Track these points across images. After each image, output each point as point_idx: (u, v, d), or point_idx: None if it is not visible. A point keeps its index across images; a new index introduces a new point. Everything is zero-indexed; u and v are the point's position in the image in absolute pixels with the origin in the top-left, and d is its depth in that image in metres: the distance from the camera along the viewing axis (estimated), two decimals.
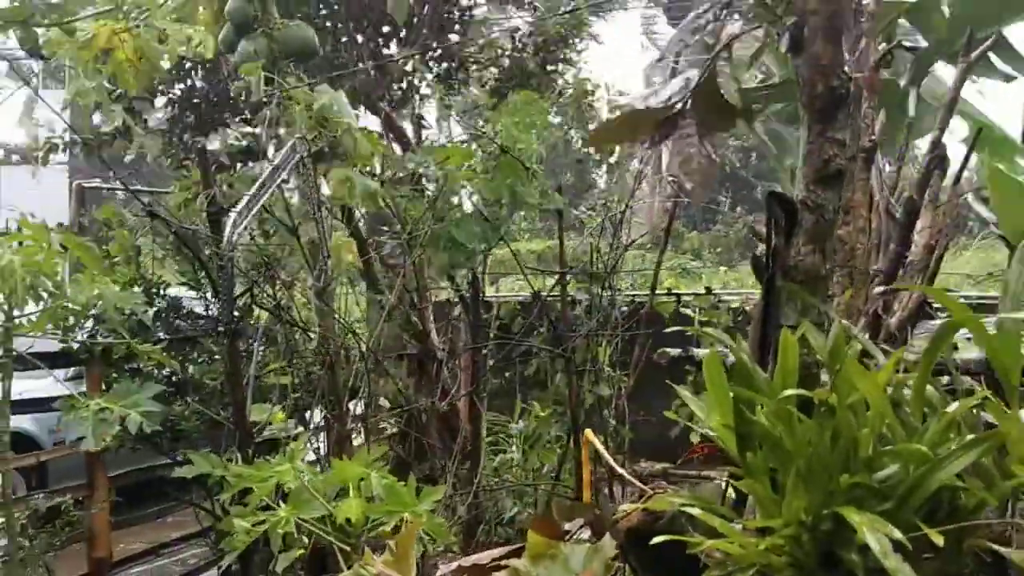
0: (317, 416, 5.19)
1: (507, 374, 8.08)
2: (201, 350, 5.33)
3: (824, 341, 1.80)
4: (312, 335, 4.58)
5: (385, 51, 8.93)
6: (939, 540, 1.45)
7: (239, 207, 3.53)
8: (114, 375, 5.52)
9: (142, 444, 5.55)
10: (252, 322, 4.78)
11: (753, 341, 1.99)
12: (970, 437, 1.57)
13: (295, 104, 4.98)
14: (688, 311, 9.53)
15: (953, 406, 1.68)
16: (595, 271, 7.12)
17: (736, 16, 2.65)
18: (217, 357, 5.54)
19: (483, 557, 1.90)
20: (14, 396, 6.86)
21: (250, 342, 4.40)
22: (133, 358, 5.51)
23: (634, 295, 8.53)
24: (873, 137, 3.30)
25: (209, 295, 5.81)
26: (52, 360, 5.17)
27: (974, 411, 1.77)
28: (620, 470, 2.22)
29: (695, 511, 1.72)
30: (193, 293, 5.63)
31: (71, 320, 4.26)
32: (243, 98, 5.53)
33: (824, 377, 1.87)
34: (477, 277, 6.67)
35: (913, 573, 1.39)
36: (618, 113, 2.80)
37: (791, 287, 1.93)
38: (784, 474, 1.61)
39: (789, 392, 1.64)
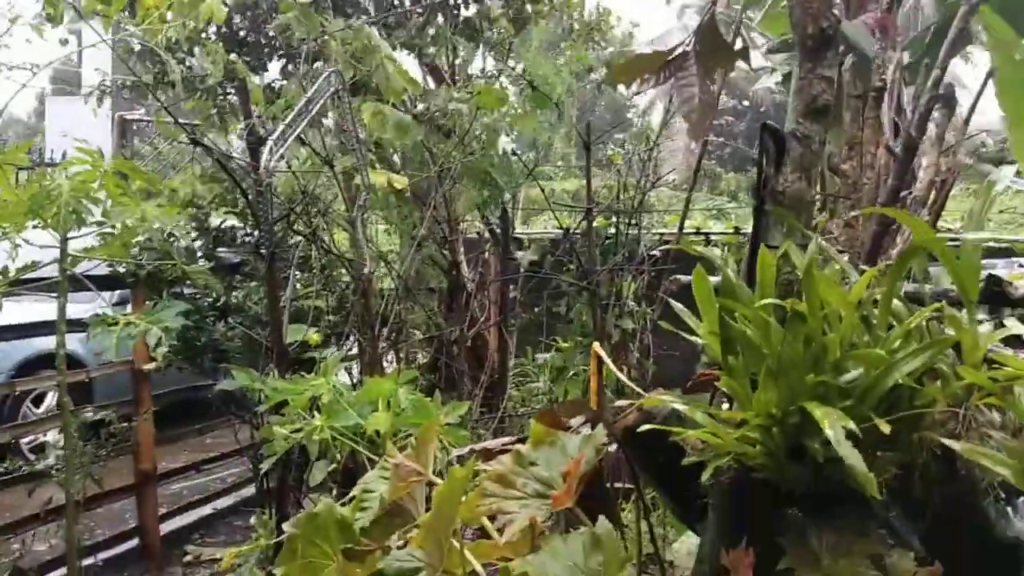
0: (350, 341, 5.46)
1: (535, 309, 8.32)
2: (243, 275, 5.59)
3: (799, 256, 2.00)
4: (345, 261, 4.82)
5: None
6: (886, 429, 1.65)
7: (275, 135, 3.73)
8: (157, 299, 5.80)
9: (187, 365, 5.86)
10: (289, 248, 5.02)
11: (745, 262, 2.18)
12: (924, 343, 1.76)
13: (332, 40, 5.16)
14: (715, 250, 9.65)
15: (913, 318, 1.87)
16: (620, 207, 7.29)
17: None
18: (255, 283, 5.81)
19: (493, 443, 2.13)
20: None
21: (286, 267, 4.64)
22: (177, 283, 5.80)
23: (662, 233, 8.70)
24: (884, 77, 3.44)
25: (247, 223, 6.07)
26: (99, 284, 5.45)
27: (939, 325, 1.96)
28: (624, 379, 2.43)
29: (680, 406, 1.94)
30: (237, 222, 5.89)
31: (123, 244, 4.52)
32: (282, 36, 5.70)
33: None
34: (507, 212, 6.87)
35: (860, 457, 1.59)
36: (632, 56, 2.95)
37: (778, 211, 2.11)
38: (758, 373, 1.82)
39: (765, 301, 1.83)
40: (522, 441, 2.05)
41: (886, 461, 1.81)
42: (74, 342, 8.42)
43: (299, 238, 4.79)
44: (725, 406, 2.42)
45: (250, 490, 7.17)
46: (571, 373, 7.84)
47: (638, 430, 2.09)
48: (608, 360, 2.55)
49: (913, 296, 2.18)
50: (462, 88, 6.52)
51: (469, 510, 1.87)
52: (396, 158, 6.09)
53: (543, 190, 6.29)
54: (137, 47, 6.98)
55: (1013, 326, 1.89)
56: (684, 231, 8.48)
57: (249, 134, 3.97)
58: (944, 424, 1.88)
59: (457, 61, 7.12)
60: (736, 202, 20.96)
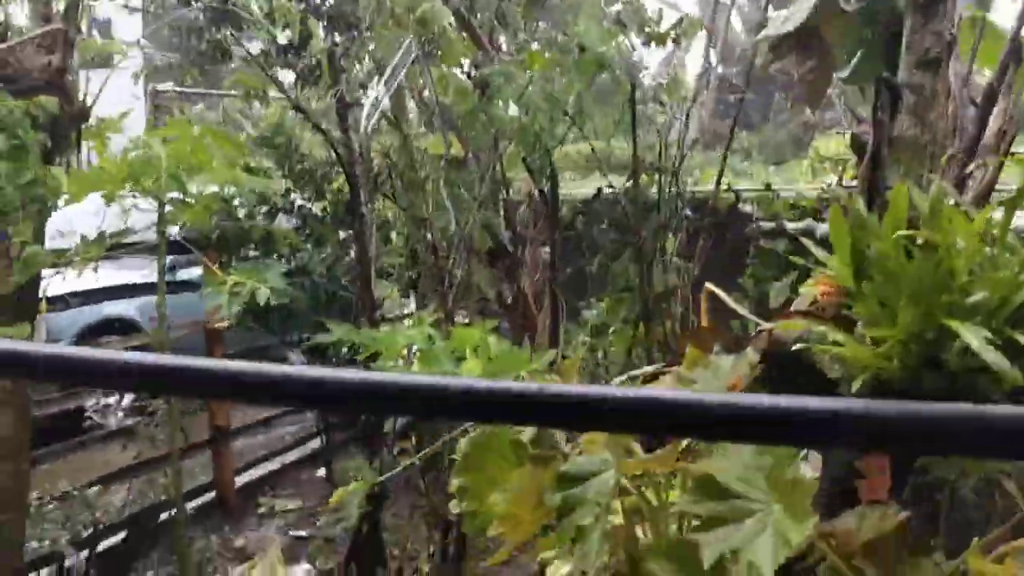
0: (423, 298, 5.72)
1: (568, 270, 8.55)
2: (314, 240, 5.83)
3: (924, 198, 2.24)
4: (422, 223, 5.06)
5: None
6: (1023, 340, 1.90)
7: (370, 101, 3.97)
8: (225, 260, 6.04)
9: (256, 323, 6.12)
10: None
11: (864, 201, 2.42)
12: None
13: (396, 5, 5.37)
14: (746, 207, 9.90)
15: None
16: (663, 165, 7.50)
17: None
18: (325, 249, 6.04)
19: (647, 369, 2.39)
20: (117, 283, 7.60)
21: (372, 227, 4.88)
22: (244, 246, 6.05)
23: (694, 191, 8.92)
24: (952, 31, 3.66)
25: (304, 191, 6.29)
26: (170, 248, 5.65)
27: None
28: (743, 311, 2.68)
29: (820, 328, 2.18)
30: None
31: (205, 208, 4.75)
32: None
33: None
34: (556, 171, 7.10)
35: (1006, 361, 1.85)
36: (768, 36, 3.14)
37: (896, 155, 2.35)
38: (895, 297, 2.06)
39: (901, 232, 2.08)
40: (674, 365, 2.30)
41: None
42: (131, 308, 8.71)
43: (383, 199, 5.03)
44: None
45: (313, 444, 7.47)
46: (612, 329, 8.11)
47: (779, 352, 2.35)
48: (723, 295, 2.79)
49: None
50: (511, 55, 6.71)
51: None
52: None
53: (593, 149, 6.51)
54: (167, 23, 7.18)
55: None
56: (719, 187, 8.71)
57: (339, 100, 4.19)
58: None
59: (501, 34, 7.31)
60: (750, 161, 21.14)
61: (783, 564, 1.90)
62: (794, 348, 2.21)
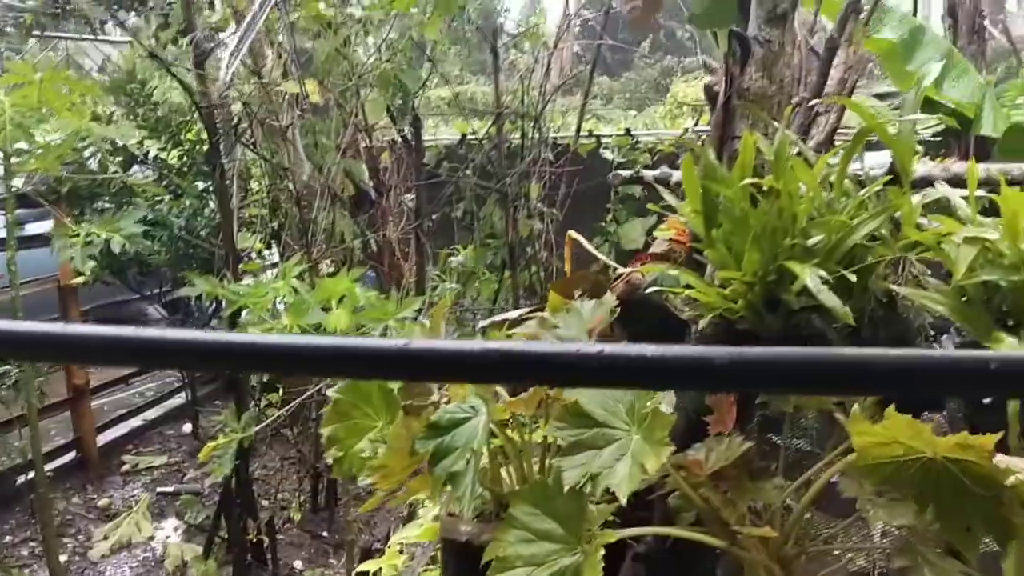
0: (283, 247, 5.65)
1: (433, 216, 8.57)
2: (172, 191, 5.67)
3: (768, 146, 2.37)
4: (283, 171, 4.99)
5: None
6: (853, 278, 2.06)
7: (230, 48, 3.87)
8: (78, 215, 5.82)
9: (114, 278, 5.94)
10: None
11: (714, 150, 2.54)
12: (874, 210, 2.16)
13: None
14: (607, 152, 10.09)
15: (863, 191, 2.27)
16: (527, 112, 7.57)
17: None
18: (184, 201, 5.88)
19: (511, 314, 2.46)
20: None
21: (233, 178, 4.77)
22: (97, 198, 5.84)
23: (556, 137, 9.02)
24: None
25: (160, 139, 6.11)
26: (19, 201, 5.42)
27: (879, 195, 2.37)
28: (602, 257, 2.78)
29: (672, 272, 2.30)
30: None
31: (57, 158, 4.56)
32: None
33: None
34: (419, 118, 7.08)
35: (839, 300, 1.99)
36: None
37: (744, 104, 2.47)
38: (741, 242, 2.19)
39: (748, 180, 2.20)
40: (539, 310, 2.39)
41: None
42: None
43: (243, 148, 4.92)
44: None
45: (178, 399, 7.33)
46: (478, 275, 8.20)
47: (632, 296, 2.46)
48: (585, 242, 2.89)
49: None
50: None
51: None
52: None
53: (456, 95, 6.51)
54: None
55: (943, 189, 2.31)
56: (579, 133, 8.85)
57: (195, 48, 4.08)
58: (886, 277, 2.31)
59: None
60: (610, 105, 21.43)
61: (640, 493, 2.02)
62: (647, 291, 2.32)
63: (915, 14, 7.43)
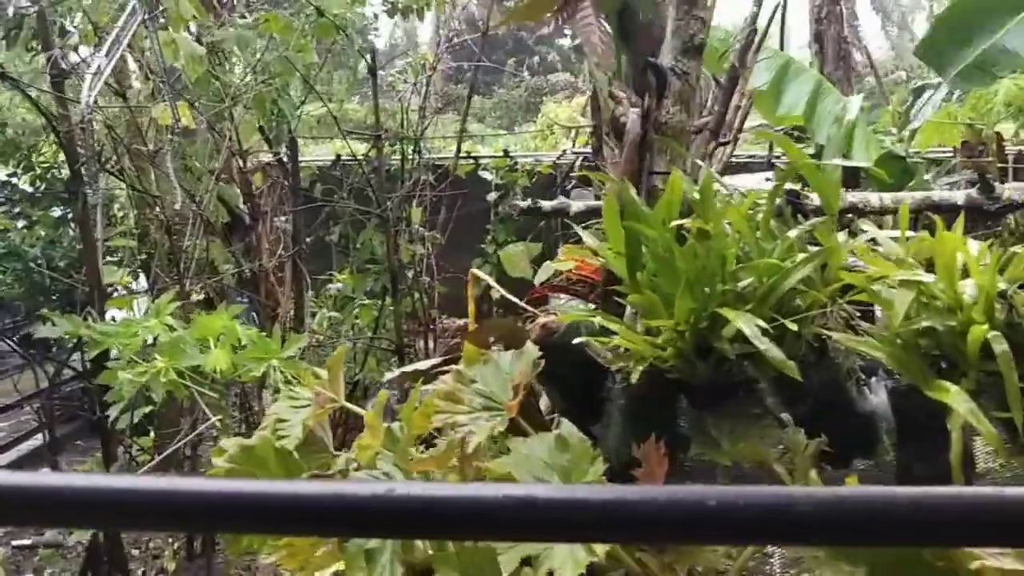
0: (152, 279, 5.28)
1: (308, 239, 8.26)
2: (28, 219, 5.25)
3: (690, 185, 2.25)
4: (153, 199, 4.65)
5: None
6: (793, 327, 1.95)
7: (92, 70, 3.55)
8: None
9: None
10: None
11: (632, 186, 2.41)
12: (809, 252, 2.07)
13: None
14: (486, 173, 9.97)
15: (792, 231, 2.18)
16: (406, 133, 7.37)
17: None
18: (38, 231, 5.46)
19: (421, 365, 2.27)
20: None
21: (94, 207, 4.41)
22: None
23: (433, 158, 8.84)
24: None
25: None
26: None
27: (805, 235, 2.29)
28: (512, 298, 2.62)
29: (597, 319, 2.15)
30: None
31: None
32: None
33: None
34: (296, 140, 6.79)
35: (779, 350, 1.88)
36: None
37: (663, 139, 2.35)
38: (672, 286, 2.06)
39: (677, 222, 2.08)
40: (452, 361, 2.20)
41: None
42: None
43: (109, 177, 4.57)
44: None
45: (32, 443, 6.80)
46: (360, 301, 7.92)
47: (547, 342, 2.30)
48: (490, 280, 2.72)
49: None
50: (243, 15, 6.33)
51: (422, 425, 2.01)
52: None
53: (335, 116, 6.27)
54: None
55: (870, 231, 2.24)
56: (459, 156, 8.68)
57: (53, 67, 3.73)
58: (814, 320, 2.22)
59: None
60: (482, 124, 21.41)
61: None
62: (574, 342, 2.17)
63: (782, 47, 7.55)
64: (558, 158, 10.34)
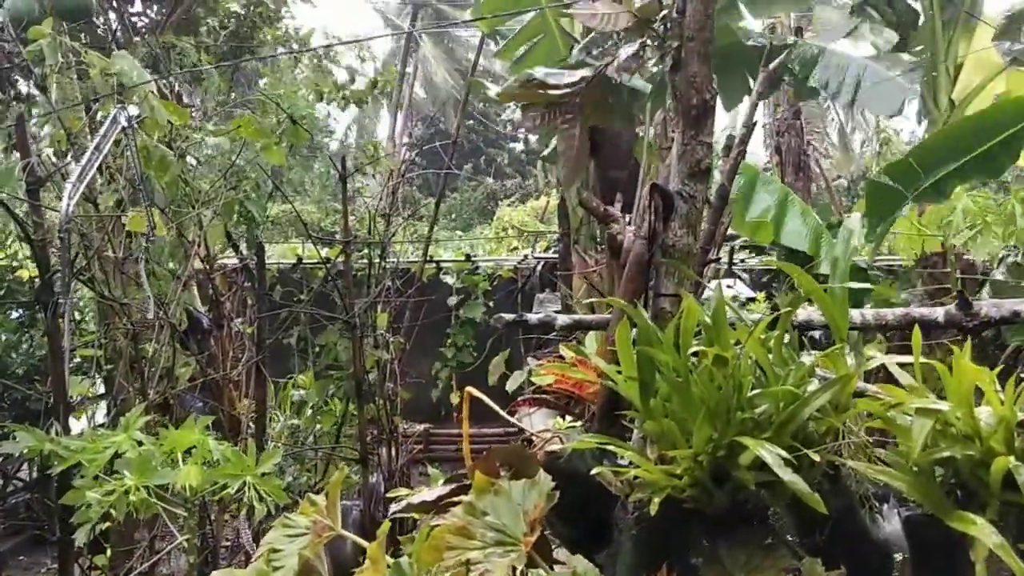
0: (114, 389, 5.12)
1: (268, 341, 8.11)
2: None
3: (699, 307, 2.23)
4: (121, 307, 4.53)
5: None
6: (816, 458, 1.92)
7: (72, 178, 3.49)
8: None
9: None
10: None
11: (639, 305, 2.39)
12: (827, 381, 2.05)
13: (91, 68, 4.88)
14: (448, 277, 9.96)
15: (805, 357, 2.16)
16: (374, 239, 7.35)
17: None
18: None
19: (428, 495, 2.18)
20: None
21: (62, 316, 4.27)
22: None
23: (397, 262, 8.81)
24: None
25: None
26: None
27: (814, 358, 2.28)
28: (511, 419, 2.56)
29: (611, 448, 2.10)
30: None
31: None
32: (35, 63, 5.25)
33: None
34: (262, 245, 6.72)
35: (802, 481, 1.84)
36: (529, 81, 3.10)
37: (671, 262, 2.35)
38: (688, 413, 2.02)
39: (695, 348, 2.05)
40: (460, 491, 2.12)
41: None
42: None
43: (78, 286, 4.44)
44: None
45: None
46: (320, 406, 7.76)
47: (552, 467, 2.24)
48: (485, 398, 2.66)
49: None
50: (214, 120, 6.34)
51: (431, 560, 1.92)
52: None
53: (303, 221, 6.24)
54: None
55: (880, 356, 2.23)
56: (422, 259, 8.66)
57: (29, 174, 3.66)
58: (830, 448, 2.19)
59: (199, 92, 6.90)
60: (437, 227, 21.50)
61: None
62: (591, 472, 2.11)
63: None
64: (520, 262, 10.38)
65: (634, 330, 2.21)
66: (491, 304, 9.86)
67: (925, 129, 8.04)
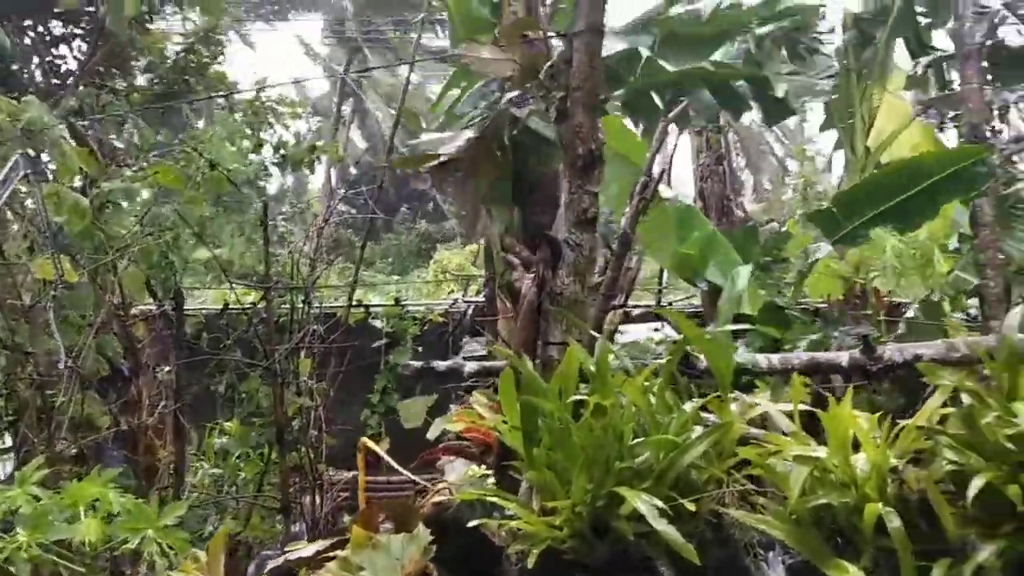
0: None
1: (192, 389, 7.98)
2: None
3: (587, 356, 2.24)
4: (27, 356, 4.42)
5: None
6: (692, 507, 1.92)
7: None
8: None
9: None
10: None
11: (528, 356, 2.38)
12: (707, 428, 2.06)
13: None
14: (377, 322, 9.87)
15: (687, 404, 2.17)
16: (297, 284, 7.26)
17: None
18: None
19: (306, 550, 2.14)
20: None
21: None
22: None
23: (322, 307, 8.71)
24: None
25: None
26: None
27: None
28: (406, 472, 2.53)
29: (496, 499, 2.08)
30: None
31: None
32: None
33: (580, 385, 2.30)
34: (181, 292, 6.62)
35: (676, 532, 1.84)
36: (419, 149, 3.11)
37: (559, 310, 2.35)
38: (569, 463, 2.01)
39: (576, 397, 2.04)
40: (339, 545, 2.09)
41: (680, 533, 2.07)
42: None
43: None
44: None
45: None
46: (244, 455, 7.60)
47: (440, 518, 2.21)
48: (382, 452, 2.63)
49: None
50: (134, 167, 6.27)
51: None
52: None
53: (224, 269, 6.15)
54: None
55: (763, 403, 2.25)
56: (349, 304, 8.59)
57: None
58: (712, 496, 2.19)
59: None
60: (372, 269, 21.42)
61: None
62: (469, 524, 2.08)
63: None
64: (450, 307, 10.33)
65: None
66: (419, 349, 9.78)
67: (843, 174, 8.21)
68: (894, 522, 1.89)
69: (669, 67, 4.62)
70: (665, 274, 8.43)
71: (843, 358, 3.60)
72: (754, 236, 7.01)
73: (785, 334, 6.06)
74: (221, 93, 8.34)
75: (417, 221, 22.65)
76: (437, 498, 2.27)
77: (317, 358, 7.69)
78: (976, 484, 1.88)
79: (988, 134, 6.52)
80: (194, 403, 7.51)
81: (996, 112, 7.31)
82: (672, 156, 5.49)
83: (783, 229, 8.20)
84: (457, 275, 13.36)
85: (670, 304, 8.76)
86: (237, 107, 8.75)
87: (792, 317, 6.36)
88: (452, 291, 14.57)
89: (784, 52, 6.38)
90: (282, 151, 6.33)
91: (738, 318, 6.43)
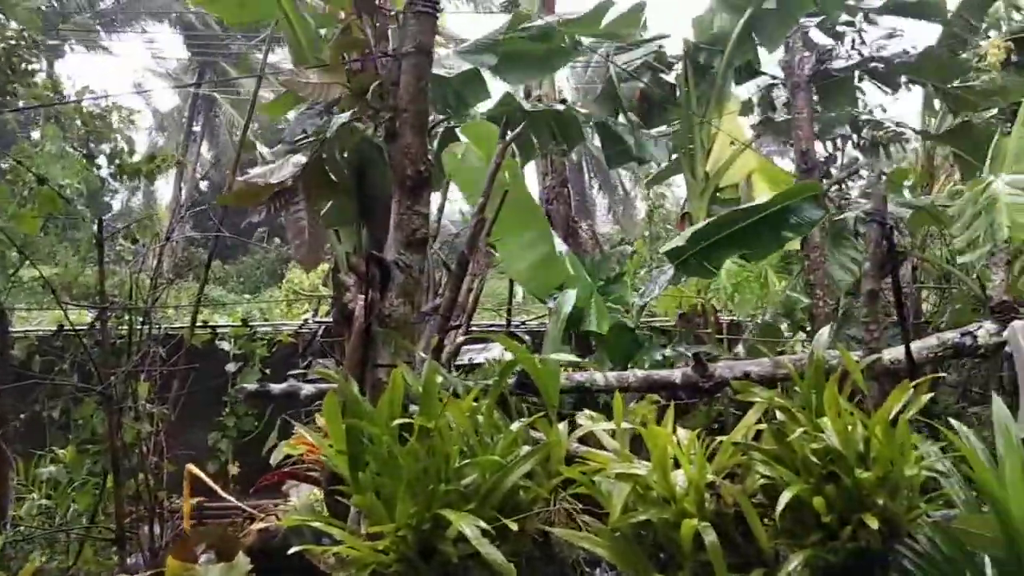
0: None
1: (21, 416, 7.58)
2: None
3: (415, 378, 2.22)
4: None
5: None
6: (515, 527, 1.92)
7: None
8: None
9: None
10: None
11: (353, 379, 2.35)
12: (530, 448, 2.07)
13: None
14: (224, 343, 9.59)
15: (514, 424, 2.19)
16: (135, 305, 6.99)
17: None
18: None
19: None
20: None
21: None
22: None
23: (166, 328, 8.41)
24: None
25: None
26: None
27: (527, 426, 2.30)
28: (229, 498, 2.45)
29: (318, 524, 2.04)
30: None
31: None
32: None
33: (412, 407, 2.28)
34: (5, 313, 6.28)
35: (499, 553, 1.84)
36: (243, 182, 3.01)
37: (386, 332, 2.33)
38: (394, 487, 1.99)
39: (400, 420, 2.03)
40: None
41: (505, 553, 2.08)
42: None
43: None
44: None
45: None
46: (78, 483, 7.24)
47: (268, 545, 2.15)
48: (207, 479, 2.54)
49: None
50: None
51: None
52: None
53: (48, 282, 5.87)
54: None
55: (586, 424, 2.28)
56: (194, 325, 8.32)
57: None
58: (539, 514, 2.21)
59: None
60: (224, 288, 20.84)
61: None
62: (291, 550, 2.03)
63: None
64: (300, 327, 10.14)
65: None
66: (267, 371, 9.56)
67: (685, 199, 8.47)
68: (710, 536, 1.94)
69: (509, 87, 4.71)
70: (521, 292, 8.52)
71: (676, 376, 3.70)
72: (605, 259, 7.22)
73: (636, 353, 6.24)
74: (39, 104, 7.94)
75: (271, 241, 22.16)
76: (262, 524, 2.20)
77: (159, 381, 7.40)
78: (785, 497, 1.96)
79: (822, 160, 6.91)
80: (23, 432, 7.10)
81: (829, 140, 7.74)
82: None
83: (632, 250, 8.42)
84: (307, 295, 13.15)
85: (522, 323, 8.83)
86: (63, 116, 8.40)
87: (641, 336, 6.54)
88: (306, 310, 14.31)
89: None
90: (117, 161, 6.10)
91: (588, 337, 6.57)
